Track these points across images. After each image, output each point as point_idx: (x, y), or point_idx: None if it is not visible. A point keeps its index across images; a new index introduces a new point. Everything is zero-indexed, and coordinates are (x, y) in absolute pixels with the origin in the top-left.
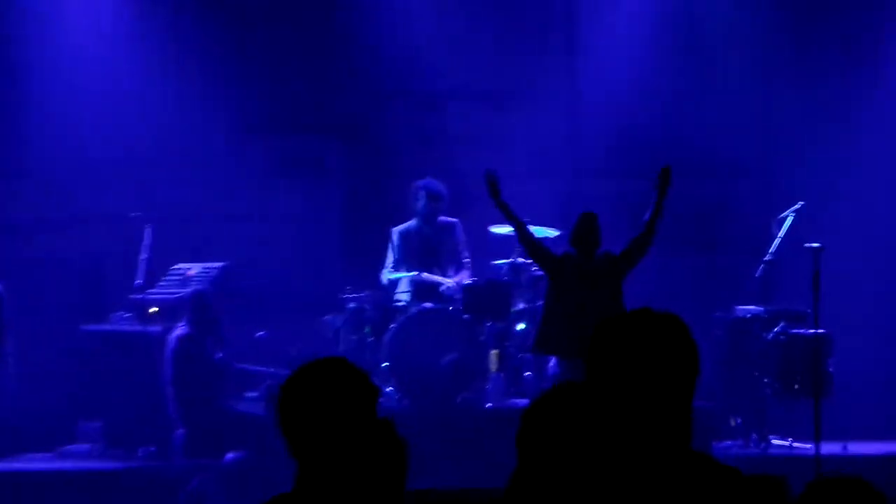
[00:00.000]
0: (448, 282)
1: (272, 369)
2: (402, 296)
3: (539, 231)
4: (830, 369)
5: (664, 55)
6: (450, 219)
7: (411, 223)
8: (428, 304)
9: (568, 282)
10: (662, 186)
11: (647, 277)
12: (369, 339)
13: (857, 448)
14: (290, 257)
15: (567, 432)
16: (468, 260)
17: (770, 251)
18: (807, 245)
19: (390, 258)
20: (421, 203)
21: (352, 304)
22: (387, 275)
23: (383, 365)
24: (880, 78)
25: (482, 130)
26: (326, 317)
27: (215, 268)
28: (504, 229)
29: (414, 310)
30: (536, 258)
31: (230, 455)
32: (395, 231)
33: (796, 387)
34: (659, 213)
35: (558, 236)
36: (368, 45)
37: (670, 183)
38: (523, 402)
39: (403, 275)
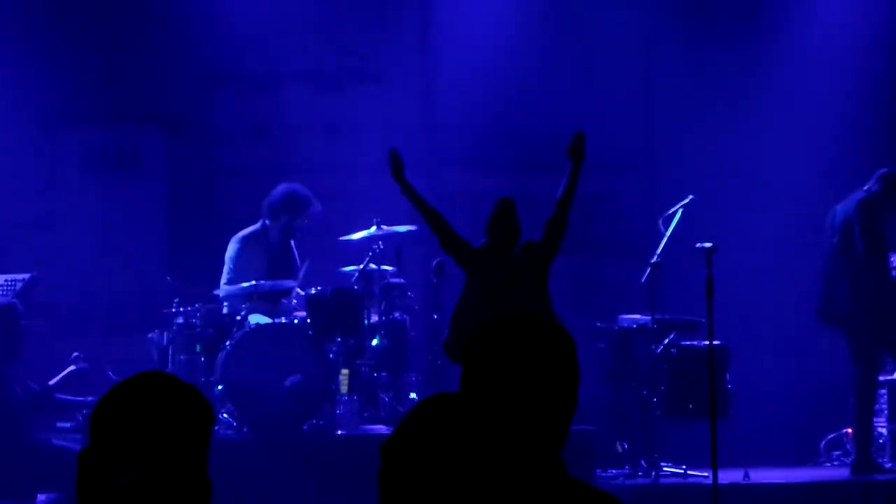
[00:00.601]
0: (294, 285)
1: (90, 398)
2: (239, 308)
3: (395, 229)
4: (728, 386)
5: (536, 40)
6: (296, 222)
7: (256, 227)
8: (267, 319)
9: (487, 277)
10: (576, 157)
11: None
12: (201, 359)
13: (760, 476)
14: (106, 266)
15: (434, 466)
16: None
17: (657, 253)
18: (698, 245)
19: (228, 268)
20: (271, 205)
21: (180, 320)
22: (223, 286)
23: (217, 388)
24: (766, 70)
25: (325, 118)
26: (151, 334)
27: (20, 280)
28: (354, 234)
29: (252, 325)
30: (451, 249)
31: (42, 497)
32: (238, 238)
33: (690, 406)
34: (574, 188)
35: (412, 231)
36: (192, 23)
37: (584, 153)
38: (379, 428)
39: (241, 285)
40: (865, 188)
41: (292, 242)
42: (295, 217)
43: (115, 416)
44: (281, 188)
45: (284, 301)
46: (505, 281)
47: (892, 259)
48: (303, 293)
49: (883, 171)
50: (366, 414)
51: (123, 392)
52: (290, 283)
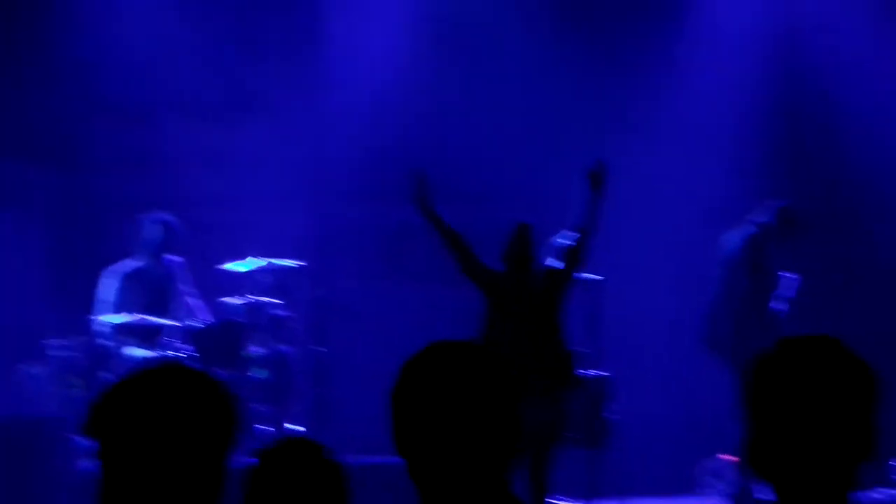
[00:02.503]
0: (174, 323)
1: None
2: (120, 342)
3: (280, 263)
4: (611, 416)
5: (426, 69)
6: (175, 257)
7: (137, 263)
8: (148, 353)
9: (505, 302)
10: (595, 185)
11: (413, 316)
12: (80, 393)
13: None
14: None
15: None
16: (199, 301)
17: None
18: (585, 276)
19: (107, 300)
20: (151, 238)
21: (57, 353)
22: (101, 319)
23: None
24: (656, 98)
25: (208, 149)
26: (26, 368)
27: None
28: (240, 266)
29: (131, 358)
30: (471, 274)
31: None
32: (113, 270)
33: (571, 436)
34: (593, 217)
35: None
36: (72, 54)
37: (604, 181)
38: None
39: (121, 318)
40: (759, 221)
41: (174, 277)
42: (163, 248)
43: (128, 410)
44: (150, 218)
45: (163, 340)
46: (521, 308)
47: (784, 286)
48: (180, 325)
49: (780, 204)
50: (245, 445)
51: (137, 385)
52: (168, 322)
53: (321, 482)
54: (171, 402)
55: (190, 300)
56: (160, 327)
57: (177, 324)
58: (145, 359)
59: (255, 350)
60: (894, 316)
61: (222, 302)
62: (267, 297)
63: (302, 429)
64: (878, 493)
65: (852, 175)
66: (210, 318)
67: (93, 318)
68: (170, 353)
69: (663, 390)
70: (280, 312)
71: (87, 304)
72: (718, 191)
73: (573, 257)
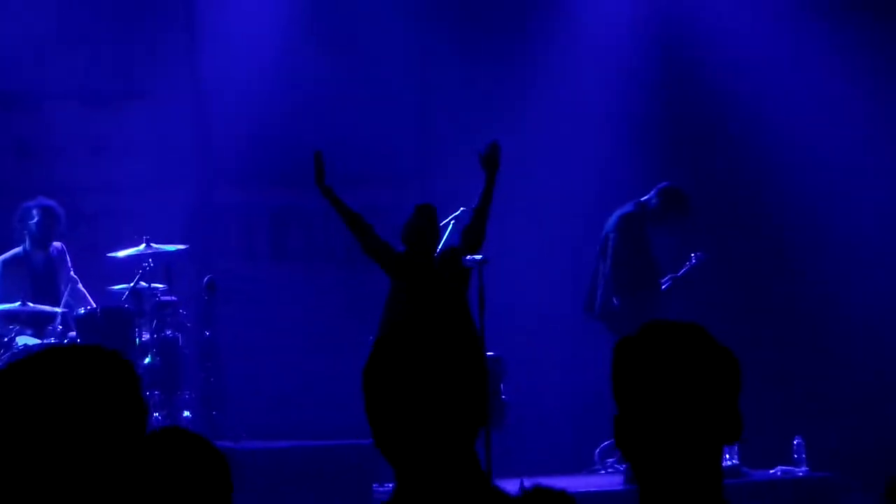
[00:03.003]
0: (58, 310)
1: None
2: (6, 330)
3: (163, 248)
4: (503, 397)
5: (309, 52)
6: (57, 243)
7: (18, 250)
8: (36, 340)
9: (410, 282)
10: (490, 167)
11: (300, 299)
12: None
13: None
14: None
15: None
16: (81, 288)
17: None
18: (469, 258)
19: None
20: (34, 225)
21: None
22: None
23: None
24: (541, 81)
25: (91, 137)
26: None
27: None
28: (122, 252)
29: (19, 346)
30: (374, 254)
31: None
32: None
33: None
34: (489, 198)
35: (182, 248)
36: None
37: (498, 162)
38: None
39: (7, 306)
40: (642, 199)
41: (58, 264)
42: (36, 225)
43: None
44: (22, 205)
45: (50, 327)
46: (427, 286)
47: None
48: (63, 311)
49: (663, 184)
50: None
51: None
52: (53, 309)
53: (199, 472)
54: (61, 386)
55: (71, 289)
56: (47, 314)
57: (60, 310)
58: (27, 346)
59: (142, 336)
60: (786, 294)
61: (107, 289)
62: (152, 282)
63: (188, 414)
64: (780, 471)
65: (741, 156)
66: (92, 305)
67: None
68: (53, 340)
69: (560, 371)
70: (165, 297)
71: None
72: (605, 173)
73: (471, 237)
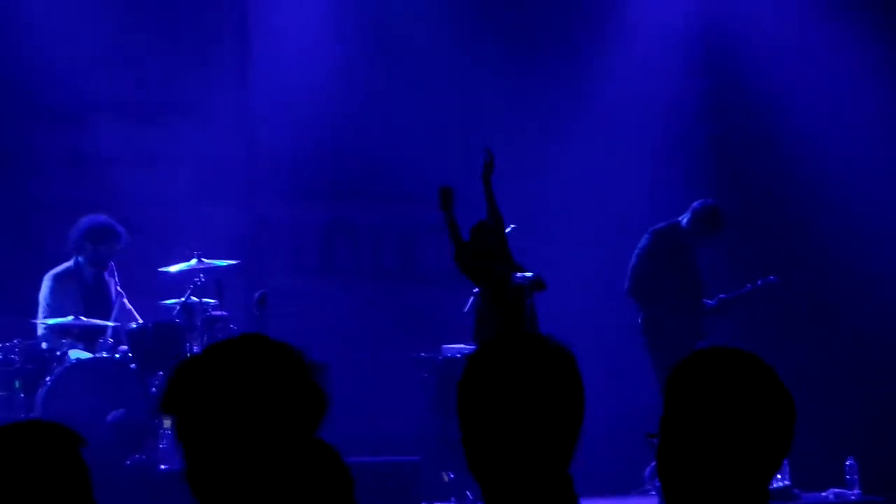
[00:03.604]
0: (110, 324)
1: None
2: (59, 344)
3: (214, 262)
4: None
5: (355, 67)
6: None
7: (69, 264)
8: (88, 354)
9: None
10: (486, 175)
11: (348, 313)
12: (20, 396)
13: None
14: None
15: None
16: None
17: None
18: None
19: (44, 303)
20: (96, 250)
21: None
22: (41, 322)
23: None
24: (585, 100)
25: (142, 150)
26: None
27: None
28: (174, 267)
29: (72, 360)
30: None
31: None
32: (51, 275)
33: None
34: (494, 204)
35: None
36: (5, 55)
37: (492, 170)
38: None
39: (59, 320)
40: (679, 218)
41: (108, 278)
42: (98, 247)
43: None
44: (82, 220)
45: (101, 341)
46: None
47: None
48: (115, 324)
49: (696, 203)
50: None
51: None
52: (105, 323)
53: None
54: (248, 374)
55: (121, 304)
56: (99, 328)
57: (111, 324)
58: (80, 360)
59: (193, 351)
60: (831, 311)
61: (158, 303)
62: (203, 297)
63: None
64: (832, 494)
65: (785, 173)
66: (139, 320)
67: (32, 320)
68: (105, 354)
69: (609, 389)
70: (216, 312)
71: (24, 306)
72: (647, 192)
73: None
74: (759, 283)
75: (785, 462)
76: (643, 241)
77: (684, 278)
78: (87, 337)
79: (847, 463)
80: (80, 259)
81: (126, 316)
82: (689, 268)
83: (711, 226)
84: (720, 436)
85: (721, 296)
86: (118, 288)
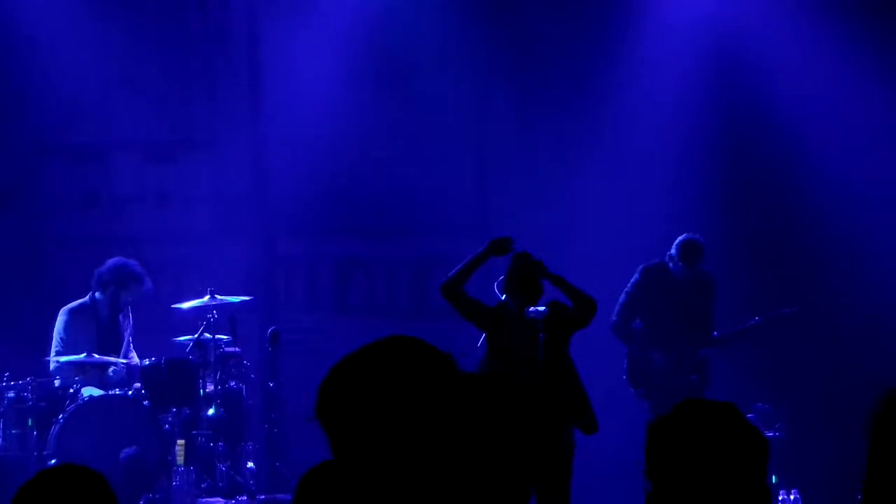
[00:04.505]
0: (121, 361)
1: None
2: (71, 381)
3: (227, 299)
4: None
5: (368, 104)
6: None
7: (85, 300)
8: (101, 391)
9: (508, 338)
10: (551, 279)
11: (356, 343)
12: (33, 433)
13: None
14: None
15: None
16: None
17: None
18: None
19: (56, 340)
20: (115, 285)
21: (10, 394)
22: (53, 359)
23: (51, 462)
24: (599, 131)
25: (155, 187)
26: None
27: None
28: (187, 304)
29: (84, 398)
30: (472, 316)
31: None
32: (67, 310)
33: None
34: (573, 293)
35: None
36: (20, 92)
37: (541, 269)
38: (216, 501)
39: (72, 358)
40: (666, 255)
41: (122, 318)
42: (121, 290)
43: None
44: (113, 260)
45: (114, 379)
46: (528, 338)
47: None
48: (127, 362)
49: (679, 237)
50: (203, 485)
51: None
52: (119, 361)
53: None
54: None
55: (128, 340)
56: (109, 363)
57: (123, 361)
58: (93, 397)
59: (206, 387)
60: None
61: (172, 340)
62: (216, 333)
63: (251, 465)
64: None
65: (801, 199)
66: (157, 357)
67: (45, 358)
68: (118, 391)
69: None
70: (229, 349)
71: (37, 343)
72: (661, 220)
73: (579, 315)
74: (774, 314)
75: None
76: (633, 278)
77: (677, 313)
78: (101, 374)
79: (858, 497)
80: (97, 296)
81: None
82: (683, 303)
83: (686, 259)
84: (703, 485)
85: (731, 329)
86: (131, 328)
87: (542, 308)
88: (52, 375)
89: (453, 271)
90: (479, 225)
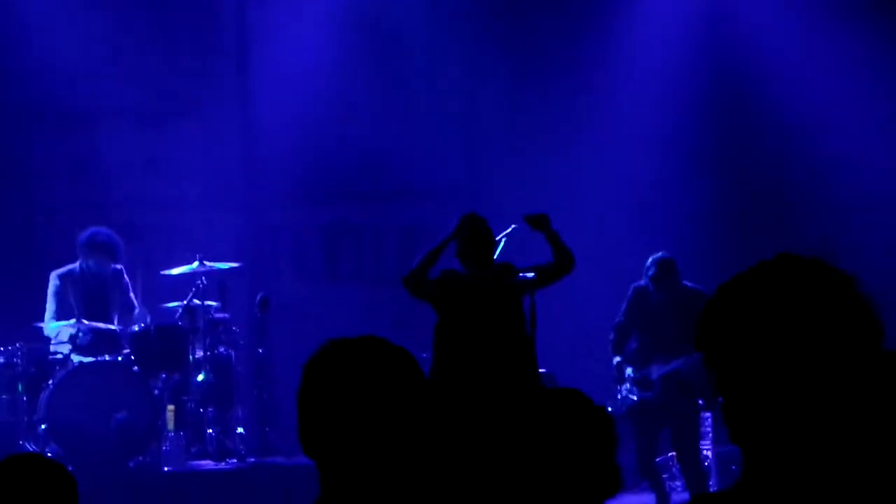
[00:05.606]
0: (112, 327)
1: None
2: (61, 347)
3: (216, 265)
4: None
5: (357, 70)
6: (116, 265)
7: (73, 266)
8: (91, 357)
9: (459, 301)
10: (544, 232)
11: (351, 312)
12: (23, 399)
13: None
14: None
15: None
16: (137, 308)
17: None
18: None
19: (51, 305)
20: (83, 255)
21: (0, 359)
22: (49, 324)
23: (41, 427)
24: (590, 99)
25: (144, 154)
26: None
27: None
28: (176, 270)
29: (75, 363)
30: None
31: None
32: (56, 274)
33: None
34: (560, 250)
35: (235, 266)
36: (7, 61)
37: (545, 224)
38: (206, 464)
39: (63, 324)
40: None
41: (112, 282)
42: (90, 259)
43: None
44: (84, 232)
45: (103, 345)
46: (479, 301)
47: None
48: (118, 328)
49: (656, 256)
50: (193, 449)
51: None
52: (108, 327)
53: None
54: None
55: (132, 305)
56: (101, 331)
57: (114, 327)
58: (83, 363)
59: (195, 353)
60: None
61: (161, 306)
62: (205, 299)
63: (241, 430)
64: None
65: (789, 172)
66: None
67: (37, 324)
68: (108, 357)
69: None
70: (218, 315)
71: (25, 310)
72: (648, 194)
73: (546, 271)
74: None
75: None
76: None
77: (655, 332)
78: (90, 340)
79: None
80: (83, 262)
81: (137, 318)
82: (660, 322)
83: (653, 278)
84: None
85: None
86: (130, 295)
87: (530, 275)
88: (42, 340)
89: (415, 262)
90: (468, 192)
